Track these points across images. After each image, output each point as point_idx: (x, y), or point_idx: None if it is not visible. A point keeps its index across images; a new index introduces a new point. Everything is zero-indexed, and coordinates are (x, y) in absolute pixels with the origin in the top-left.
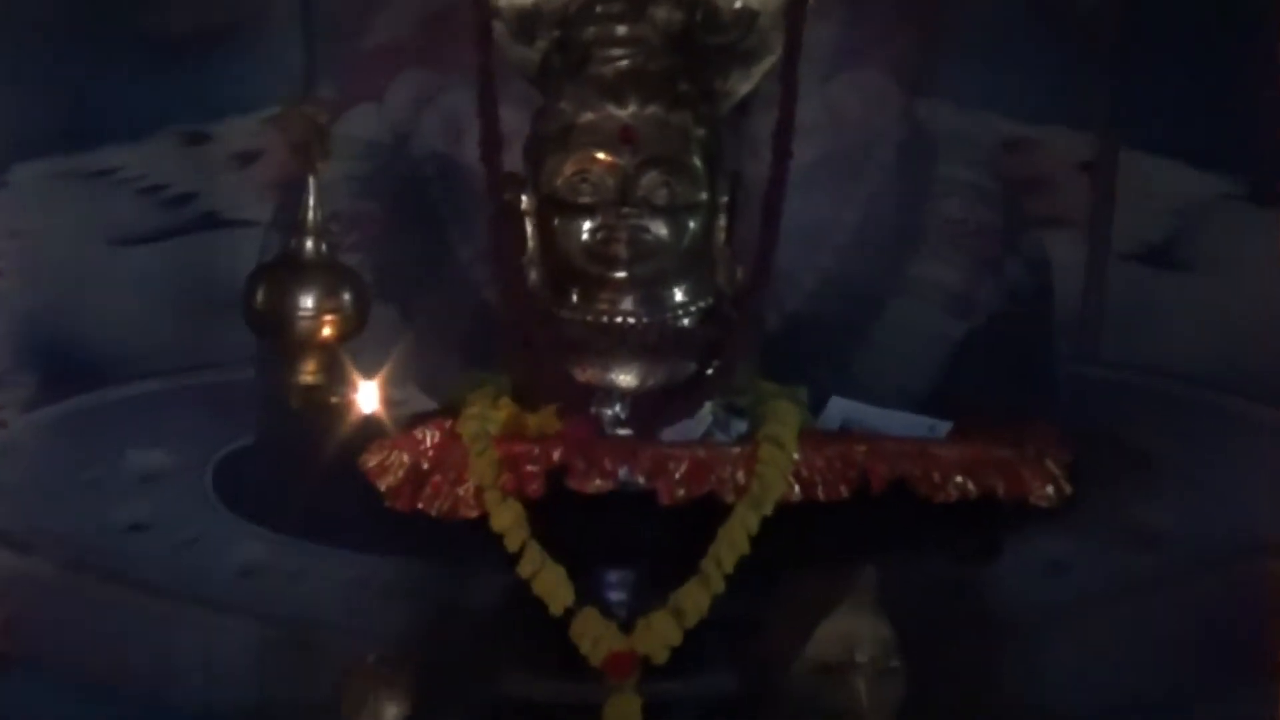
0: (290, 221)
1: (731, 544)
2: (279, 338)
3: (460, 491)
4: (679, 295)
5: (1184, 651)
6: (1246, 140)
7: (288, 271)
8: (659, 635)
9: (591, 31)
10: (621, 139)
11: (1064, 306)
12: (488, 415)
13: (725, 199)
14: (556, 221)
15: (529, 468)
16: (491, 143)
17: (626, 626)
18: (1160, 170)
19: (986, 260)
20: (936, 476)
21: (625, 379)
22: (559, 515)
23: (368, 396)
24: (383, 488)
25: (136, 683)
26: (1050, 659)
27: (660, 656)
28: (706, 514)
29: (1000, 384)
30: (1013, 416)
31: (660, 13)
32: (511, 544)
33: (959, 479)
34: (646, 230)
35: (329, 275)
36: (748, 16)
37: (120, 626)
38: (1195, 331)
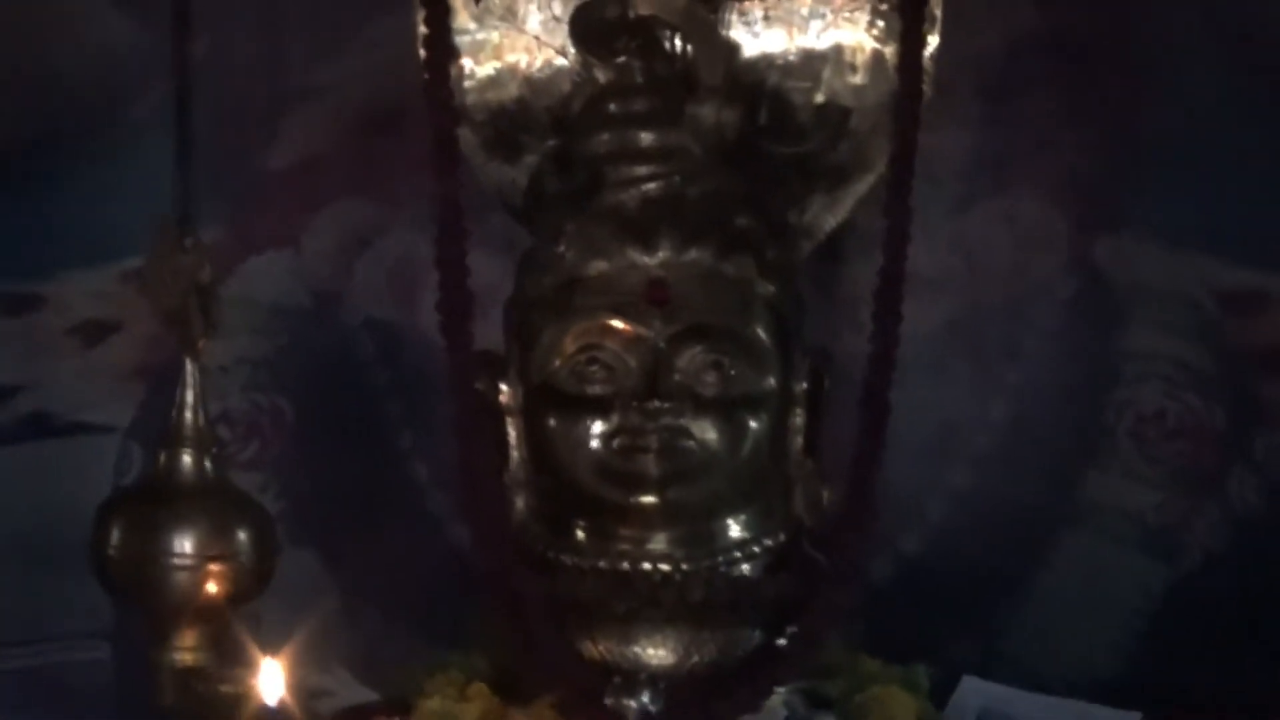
0: (159, 427)
1: None
2: (143, 598)
3: None
4: (735, 530)
5: None
6: None
7: (155, 500)
8: None
9: (603, 141)
10: (649, 299)
11: None
12: (454, 710)
13: (804, 386)
14: (554, 422)
15: None
16: (457, 307)
17: None
18: None
19: (1201, 476)
20: None
21: (658, 655)
22: None
23: (274, 683)
24: None
25: None
26: None
27: None
28: None
29: (1220, 658)
30: (1238, 708)
31: (706, 112)
32: None
33: None
34: (687, 434)
35: (217, 504)
36: (835, 116)
37: None
38: None
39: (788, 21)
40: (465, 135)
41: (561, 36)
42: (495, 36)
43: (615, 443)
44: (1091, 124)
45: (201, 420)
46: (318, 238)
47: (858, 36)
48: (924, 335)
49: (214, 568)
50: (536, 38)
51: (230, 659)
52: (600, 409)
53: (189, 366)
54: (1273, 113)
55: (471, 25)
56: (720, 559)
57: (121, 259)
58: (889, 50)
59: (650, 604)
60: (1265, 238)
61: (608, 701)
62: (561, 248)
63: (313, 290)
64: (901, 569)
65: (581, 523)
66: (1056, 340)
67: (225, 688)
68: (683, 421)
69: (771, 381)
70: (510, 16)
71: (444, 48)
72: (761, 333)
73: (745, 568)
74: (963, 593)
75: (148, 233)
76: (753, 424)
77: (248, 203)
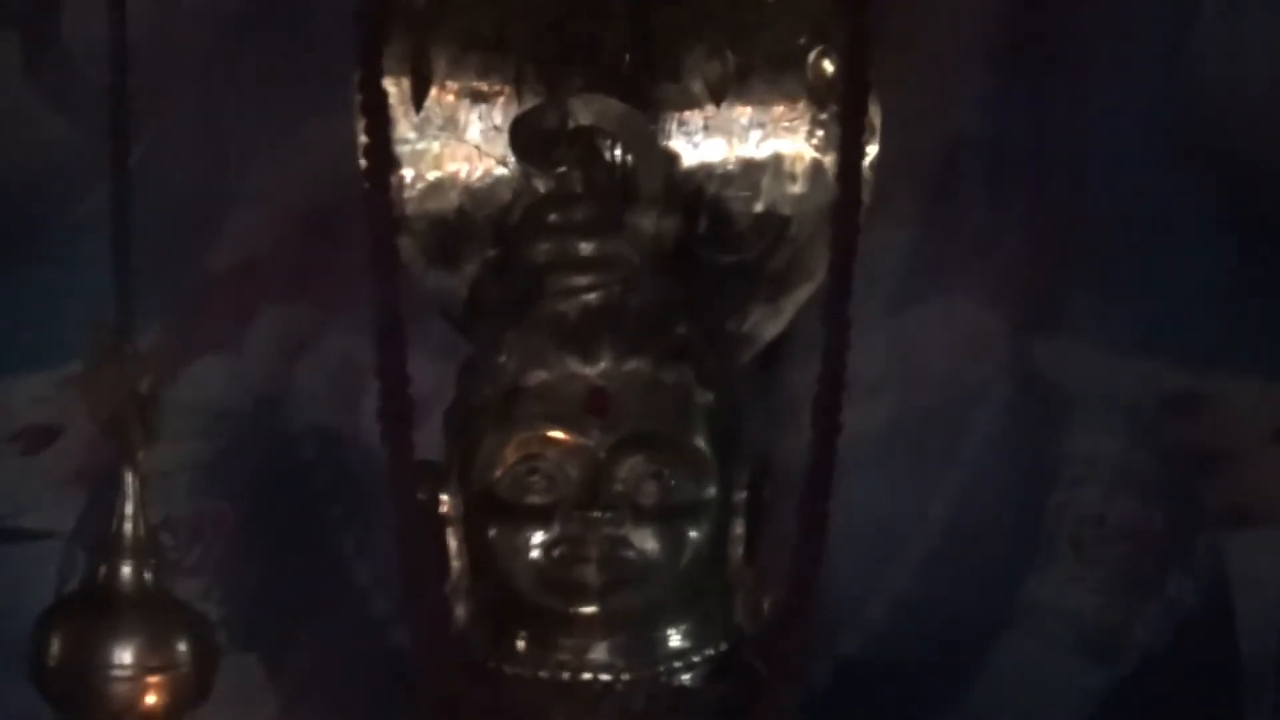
0: (102, 533)
1: None
2: (82, 708)
3: None
4: (676, 639)
5: None
6: None
7: (95, 610)
8: None
9: (543, 250)
10: (589, 409)
11: (1255, 643)
12: None
13: (744, 495)
14: (494, 532)
15: None
16: (397, 414)
17: None
18: None
19: (1139, 579)
20: None
21: None
22: None
23: None
24: None
25: None
26: None
27: None
28: None
29: None
30: None
31: (645, 221)
32: None
33: None
34: (627, 543)
35: (156, 615)
36: (774, 225)
37: None
38: None
39: (727, 131)
40: (405, 244)
41: (502, 146)
42: (436, 146)
43: (555, 552)
44: (1029, 227)
45: (141, 530)
46: (258, 342)
47: (797, 146)
48: (861, 437)
49: (154, 679)
50: (477, 147)
51: None
52: (541, 518)
53: (129, 476)
54: (1210, 215)
55: (412, 134)
56: (661, 668)
57: (62, 364)
58: (828, 159)
59: (591, 714)
60: (1203, 340)
61: None
62: (502, 357)
63: (254, 395)
64: (841, 672)
65: (522, 632)
66: (995, 443)
67: None
68: (623, 531)
69: (711, 490)
70: (451, 126)
71: (384, 157)
72: (701, 442)
73: (686, 677)
74: (903, 695)
75: (88, 338)
76: (693, 533)
77: (188, 307)
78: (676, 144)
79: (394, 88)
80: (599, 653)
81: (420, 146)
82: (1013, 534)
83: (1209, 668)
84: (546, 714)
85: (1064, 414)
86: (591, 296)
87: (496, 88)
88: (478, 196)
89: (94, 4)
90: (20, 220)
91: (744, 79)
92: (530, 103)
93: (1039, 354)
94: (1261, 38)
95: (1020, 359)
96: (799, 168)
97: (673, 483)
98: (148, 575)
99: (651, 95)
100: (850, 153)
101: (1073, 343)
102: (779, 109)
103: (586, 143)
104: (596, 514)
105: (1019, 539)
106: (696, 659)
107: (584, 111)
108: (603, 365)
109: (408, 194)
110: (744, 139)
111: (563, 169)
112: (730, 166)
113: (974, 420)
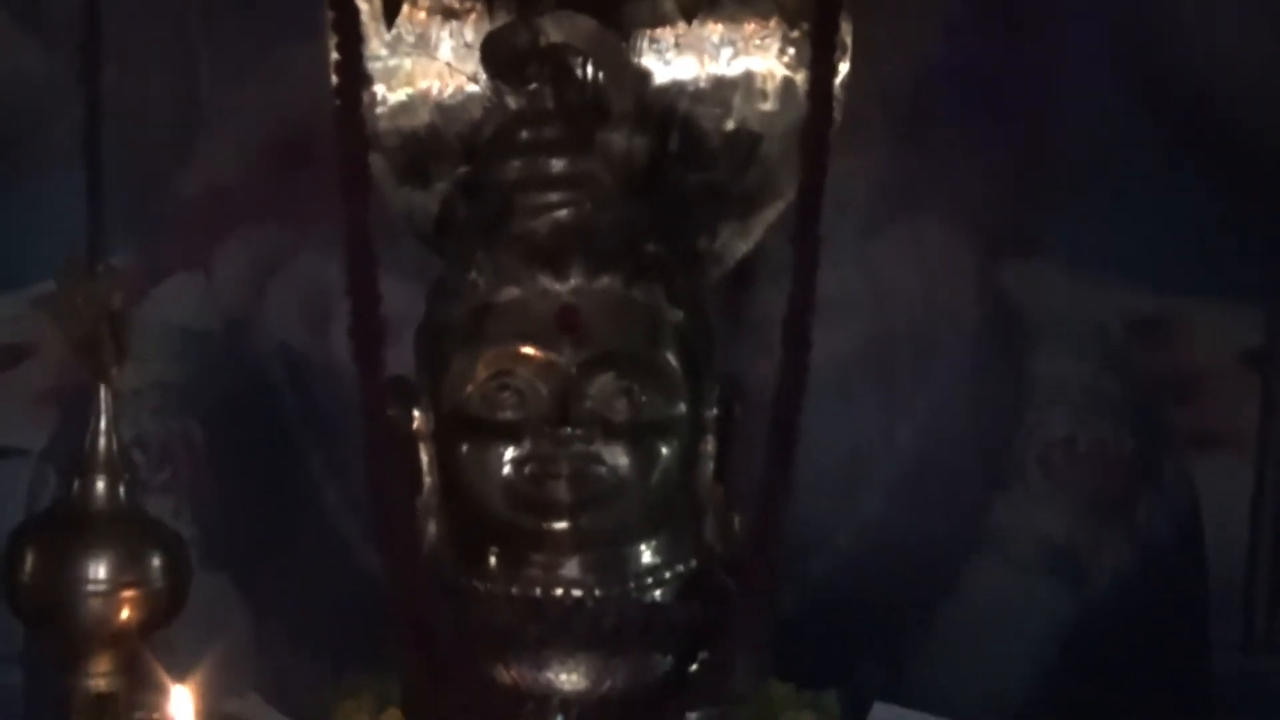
0: (74, 451)
1: None
2: (55, 623)
3: None
4: (647, 557)
5: None
6: None
7: (68, 527)
8: None
9: (515, 168)
10: (560, 325)
11: (1223, 566)
12: None
13: (714, 413)
14: (465, 448)
15: None
16: (368, 333)
17: None
18: None
19: (1109, 502)
20: None
21: (570, 680)
22: None
23: (184, 710)
24: None
25: None
26: None
27: None
28: None
29: (1128, 684)
30: None
31: (616, 139)
32: None
33: None
34: (598, 460)
35: (128, 532)
36: (745, 142)
37: None
38: None
39: (698, 49)
40: (376, 162)
41: (473, 63)
42: (407, 63)
43: (526, 469)
44: (998, 151)
45: (115, 447)
46: (228, 263)
47: (768, 64)
48: (832, 361)
49: (127, 594)
50: (448, 64)
51: (142, 684)
52: (511, 435)
53: (102, 393)
54: (1176, 140)
55: (383, 52)
56: (632, 585)
57: (33, 284)
58: (799, 77)
59: (562, 630)
60: (1171, 264)
61: None
62: (473, 274)
63: (224, 315)
64: (811, 596)
65: (493, 549)
66: (964, 367)
67: (138, 714)
68: (593, 448)
69: (681, 408)
70: (422, 43)
71: (356, 74)
72: (671, 359)
73: (657, 594)
74: (872, 619)
75: (59, 259)
76: (663, 450)
77: (159, 228)
78: (648, 62)
79: (365, 4)
80: (570, 570)
81: (392, 64)
82: (982, 458)
83: (1177, 590)
84: (517, 631)
85: (1033, 338)
86: (562, 214)
87: (468, 5)
88: (449, 114)
89: None
90: None
91: None
92: (501, 20)
93: (1008, 278)
94: None
95: (990, 283)
96: (770, 86)
97: (643, 399)
98: (121, 491)
99: (623, 13)
100: (821, 71)
101: (1042, 266)
102: (750, 27)
103: (557, 60)
104: (567, 431)
105: (988, 463)
106: (667, 575)
107: (555, 29)
108: (573, 282)
109: (379, 111)
110: (715, 57)
111: (534, 87)
112: (701, 84)
113: (944, 344)
